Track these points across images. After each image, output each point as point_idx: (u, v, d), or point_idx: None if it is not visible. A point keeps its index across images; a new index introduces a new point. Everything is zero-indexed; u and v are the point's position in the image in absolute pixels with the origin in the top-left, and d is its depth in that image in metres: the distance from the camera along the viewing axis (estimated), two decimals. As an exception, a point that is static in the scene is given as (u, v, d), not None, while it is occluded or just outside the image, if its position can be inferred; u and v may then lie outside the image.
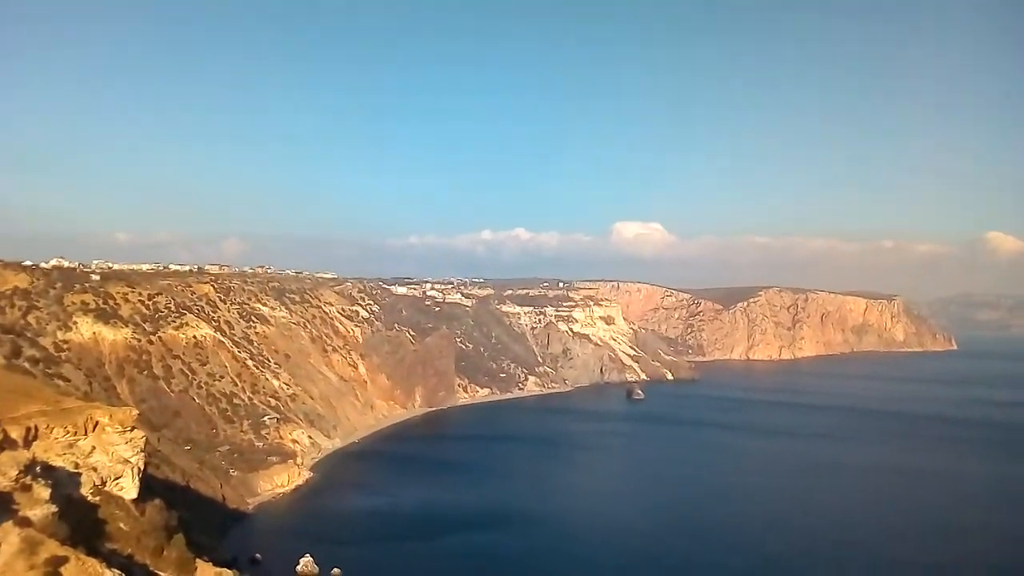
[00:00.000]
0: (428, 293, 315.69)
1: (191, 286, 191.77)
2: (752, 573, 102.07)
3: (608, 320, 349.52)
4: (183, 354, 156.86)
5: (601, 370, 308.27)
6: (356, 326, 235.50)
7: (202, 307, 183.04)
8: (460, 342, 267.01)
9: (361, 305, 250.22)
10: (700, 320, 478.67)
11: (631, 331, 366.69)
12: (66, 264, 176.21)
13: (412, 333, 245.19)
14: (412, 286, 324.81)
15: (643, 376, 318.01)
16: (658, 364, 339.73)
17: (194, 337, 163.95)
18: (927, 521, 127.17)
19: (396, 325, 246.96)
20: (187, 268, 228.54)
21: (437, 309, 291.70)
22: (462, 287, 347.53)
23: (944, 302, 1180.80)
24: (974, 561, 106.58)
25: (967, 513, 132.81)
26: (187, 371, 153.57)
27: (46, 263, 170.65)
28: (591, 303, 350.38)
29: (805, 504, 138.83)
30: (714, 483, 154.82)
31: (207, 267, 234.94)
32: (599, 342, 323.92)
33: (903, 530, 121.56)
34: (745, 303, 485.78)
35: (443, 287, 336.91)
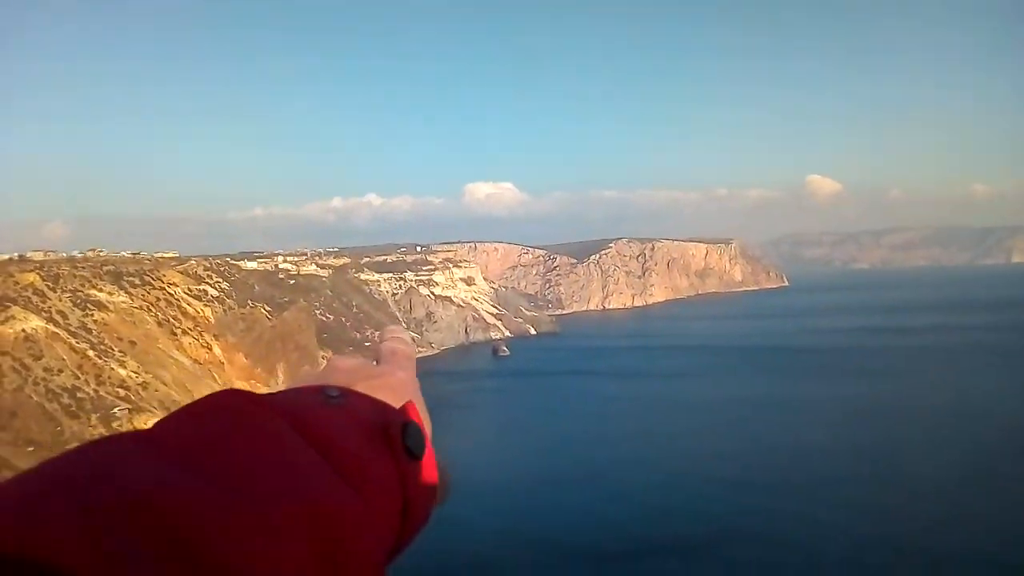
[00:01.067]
0: (281, 266, 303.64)
1: (13, 276, 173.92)
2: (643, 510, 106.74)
3: (469, 281, 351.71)
4: (12, 350, 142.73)
5: (466, 330, 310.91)
6: (206, 306, 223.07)
7: (28, 298, 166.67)
8: (320, 314, 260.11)
9: (209, 283, 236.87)
10: (557, 275, 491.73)
11: (492, 290, 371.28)
12: None
13: (268, 308, 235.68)
14: (263, 260, 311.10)
15: (507, 333, 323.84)
16: (520, 320, 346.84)
17: (23, 331, 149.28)
18: (770, 444, 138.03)
19: (249, 302, 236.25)
20: (7, 256, 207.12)
21: (292, 282, 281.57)
22: (316, 258, 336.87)
23: (775, 242, 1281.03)
24: (815, 478, 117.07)
25: (810, 434, 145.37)
26: (20, 367, 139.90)
27: None
28: (450, 265, 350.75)
29: (669, 440, 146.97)
30: (588, 428, 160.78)
31: (30, 254, 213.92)
32: (461, 303, 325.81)
33: (746, 454, 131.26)
34: (598, 255, 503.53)
35: (296, 259, 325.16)
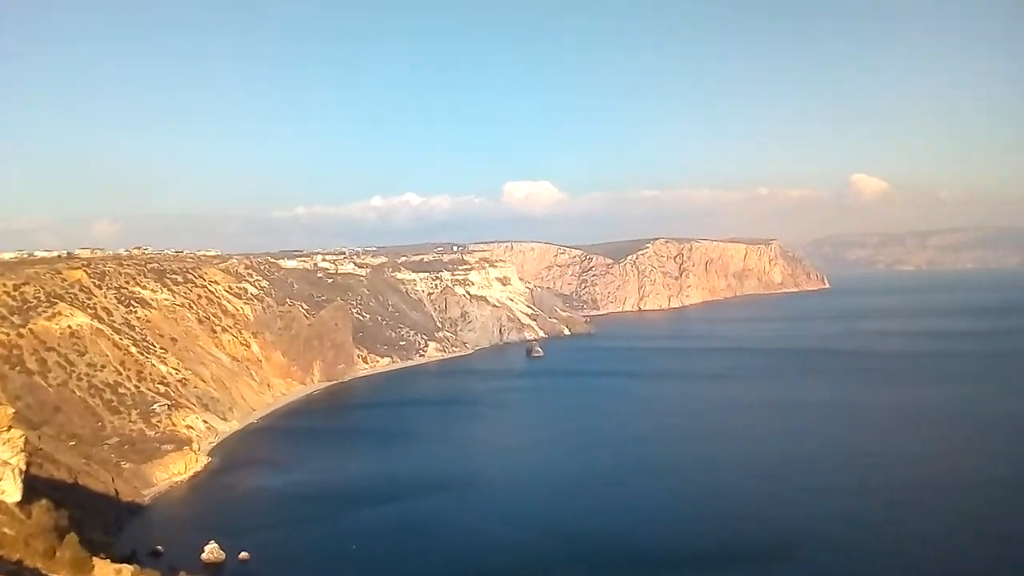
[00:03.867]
0: (319, 265, 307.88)
1: (61, 273, 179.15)
2: (704, 509, 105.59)
3: (504, 281, 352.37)
4: (58, 345, 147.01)
5: (500, 331, 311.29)
6: (245, 303, 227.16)
7: (75, 294, 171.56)
8: (356, 313, 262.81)
9: (249, 282, 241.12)
10: (593, 275, 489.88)
11: (527, 290, 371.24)
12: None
13: (306, 307, 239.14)
14: (302, 259, 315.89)
15: (541, 334, 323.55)
16: (555, 321, 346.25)
17: (69, 327, 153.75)
18: (847, 450, 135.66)
19: (288, 300, 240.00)
20: (55, 254, 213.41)
21: (330, 281, 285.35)
22: (355, 257, 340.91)
23: (817, 243, 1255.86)
24: (892, 484, 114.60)
25: (877, 438, 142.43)
26: (64, 363, 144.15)
27: None
28: (486, 265, 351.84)
29: (721, 439, 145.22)
30: (625, 427, 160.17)
31: (78, 251, 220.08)
32: (496, 303, 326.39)
33: (828, 459, 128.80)
34: (635, 256, 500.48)
35: (335, 258, 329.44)
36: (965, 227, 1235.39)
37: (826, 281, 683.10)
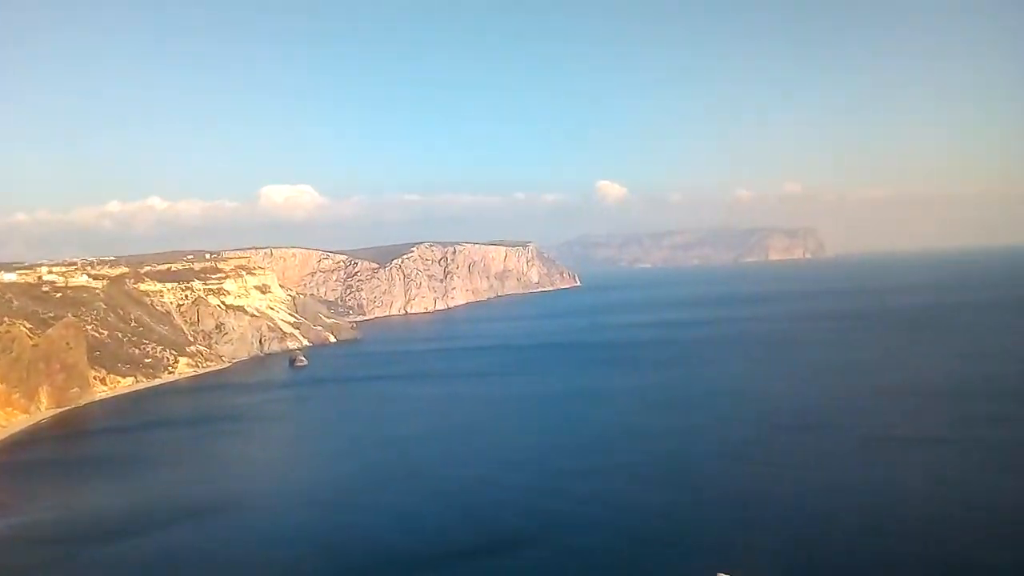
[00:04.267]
0: (45, 278, 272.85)
1: None
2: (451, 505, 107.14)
3: (264, 289, 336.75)
4: None
5: (260, 341, 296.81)
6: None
7: None
8: (92, 330, 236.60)
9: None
10: (358, 280, 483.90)
11: (289, 298, 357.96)
12: None
13: (29, 326, 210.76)
14: (23, 271, 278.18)
15: (305, 342, 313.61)
16: (320, 328, 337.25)
17: None
18: (589, 431, 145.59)
19: (6, 319, 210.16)
20: None
21: (59, 295, 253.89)
22: (88, 268, 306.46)
23: (569, 244, 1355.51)
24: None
25: (621, 419, 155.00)
26: None
27: None
28: (243, 273, 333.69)
29: (481, 434, 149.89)
30: (387, 429, 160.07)
31: None
32: (256, 313, 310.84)
33: (577, 444, 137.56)
34: (400, 260, 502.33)
35: (64, 269, 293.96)
36: (692, 228, 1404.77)
37: (577, 279, 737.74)
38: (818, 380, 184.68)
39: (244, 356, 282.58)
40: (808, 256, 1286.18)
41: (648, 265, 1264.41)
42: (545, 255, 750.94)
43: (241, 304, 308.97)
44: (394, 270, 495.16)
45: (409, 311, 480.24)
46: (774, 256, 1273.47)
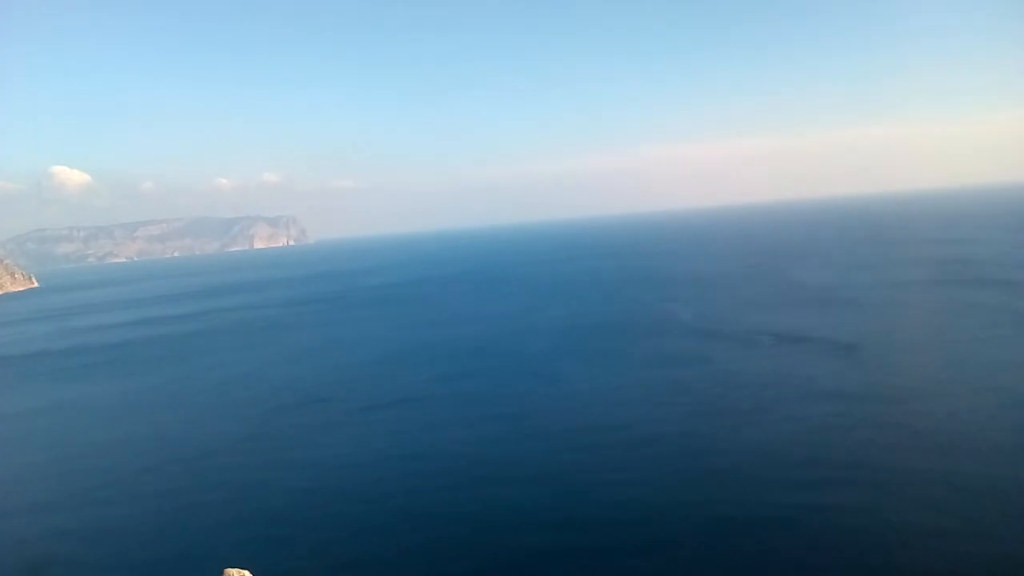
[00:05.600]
0: None
1: None
2: None
3: None
4: None
5: None
6: None
7: None
8: None
9: None
10: None
11: None
12: None
13: None
14: None
15: None
16: None
17: None
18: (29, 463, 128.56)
19: None
20: None
21: None
22: None
23: (19, 240, 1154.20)
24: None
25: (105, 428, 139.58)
26: None
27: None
28: None
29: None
30: None
31: None
32: None
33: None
34: None
35: None
36: (170, 218, 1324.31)
37: (35, 280, 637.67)
38: (310, 360, 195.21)
39: None
40: (292, 243, 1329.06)
41: (122, 259, 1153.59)
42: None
43: None
44: None
45: None
46: (259, 244, 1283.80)
